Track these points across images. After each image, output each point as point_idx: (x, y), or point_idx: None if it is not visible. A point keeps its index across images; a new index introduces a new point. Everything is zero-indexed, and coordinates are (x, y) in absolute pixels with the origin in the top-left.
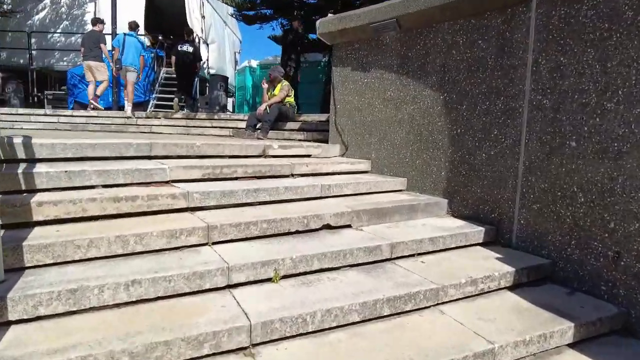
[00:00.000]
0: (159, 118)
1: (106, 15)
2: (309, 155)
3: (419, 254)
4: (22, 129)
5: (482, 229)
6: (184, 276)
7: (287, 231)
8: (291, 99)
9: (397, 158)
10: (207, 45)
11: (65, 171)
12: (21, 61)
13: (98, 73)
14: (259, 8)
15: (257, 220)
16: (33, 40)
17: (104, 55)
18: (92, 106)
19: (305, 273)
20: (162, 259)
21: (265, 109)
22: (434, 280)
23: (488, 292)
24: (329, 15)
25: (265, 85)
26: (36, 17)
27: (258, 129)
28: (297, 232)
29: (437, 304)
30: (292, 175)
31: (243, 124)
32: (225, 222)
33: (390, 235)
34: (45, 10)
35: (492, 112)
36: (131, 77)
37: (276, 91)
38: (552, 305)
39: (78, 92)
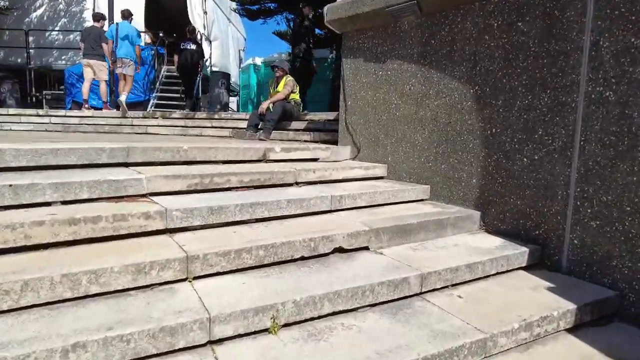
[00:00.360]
0: (156, 118)
1: (104, 12)
2: (315, 159)
3: (454, 285)
4: (10, 130)
5: (525, 249)
6: (149, 334)
7: (290, 258)
8: (296, 96)
9: (419, 162)
10: (210, 42)
11: (10, 185)
12: (19, 60)
13: (100, 72)
14: (263, 2)
15: (252, 246)
16: (31, 38)
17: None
18: (86, 106)
19: (312, 319)
20: (124, 304)
21: (268, 107)
22: (478, 326)
23: (545, 336)
24: (338, 0)
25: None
26: (34, 15)
27: (260, 128)
28: (303, 258)
29: (485, 358)
30: (297, 183)
31: (244, 124)
32: (210, 250)
33: (417, 261)
34: (43, 8)
35: (536, 108)
36: (129, 70)
37: (280, 87)
38: (634, 358)
39: (76, 91)
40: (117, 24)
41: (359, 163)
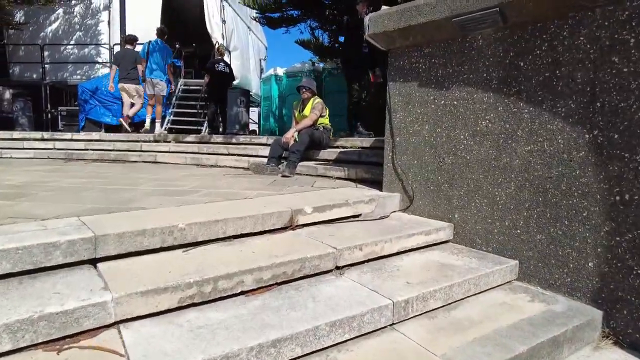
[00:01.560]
0: (168, 141)
1: (117, 23)
2: (357, 216)
3: None
4: (10, 158)
5: None
6: None
7: None
8: (325, 120)
9: (501, 226)
10: (229, 52)
11: None
12: (34, 76)
13: (135, 96)
14: (285, 9)
15: None
16: (46, 53)
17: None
18: (130, 130)
19: None
20: None
21: (294, 136)
22: None
23: None
24: (384, 8)
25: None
26: (49, 29)
27: (284, 158)
28: None
29: None
30: (338, 268)
31: (265, 150)
32: None
33: None
34: (58, 22)
35: None
36: (159, 91)
37: (306, 111)
38: None
39: (89, 108)
40: (149, 42)
41: (415, 221)
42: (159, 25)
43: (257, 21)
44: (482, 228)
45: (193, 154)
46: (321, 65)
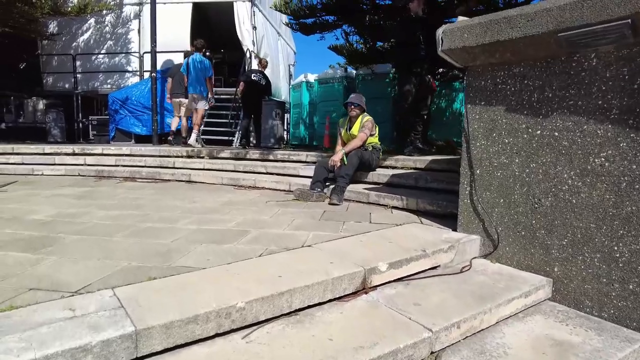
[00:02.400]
0: (202, 157)
1: (147, 31)
2: (435, 268)
3: None
4: (42, 175)
5: None
6: None
7: None
8: (375, 139)
9: (622, 289)
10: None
11: None
12: (67, 86)
13: (185, 110)
14: (320, 15)
15: None
16: (78, 63)
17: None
18: (170, 138)
19: None
20: None
21: (342, 158)
22: None
23: None
24: (461, 19)
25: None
26: (81, 39)
27: (330, 180)
28: None
29: None
30: (432, 353)
31: (306, 170)
32: None
33: None
34: (90, 31)
35: None
36: (200, 105)
37: (354, 129)
38: None
39: (120, 118)
40: (189, 57)
41: (507, 274)
42: (188, 33)
43: (289, 26)
44: (594, 288)
45: (229, 173)
46: (353, 71)
